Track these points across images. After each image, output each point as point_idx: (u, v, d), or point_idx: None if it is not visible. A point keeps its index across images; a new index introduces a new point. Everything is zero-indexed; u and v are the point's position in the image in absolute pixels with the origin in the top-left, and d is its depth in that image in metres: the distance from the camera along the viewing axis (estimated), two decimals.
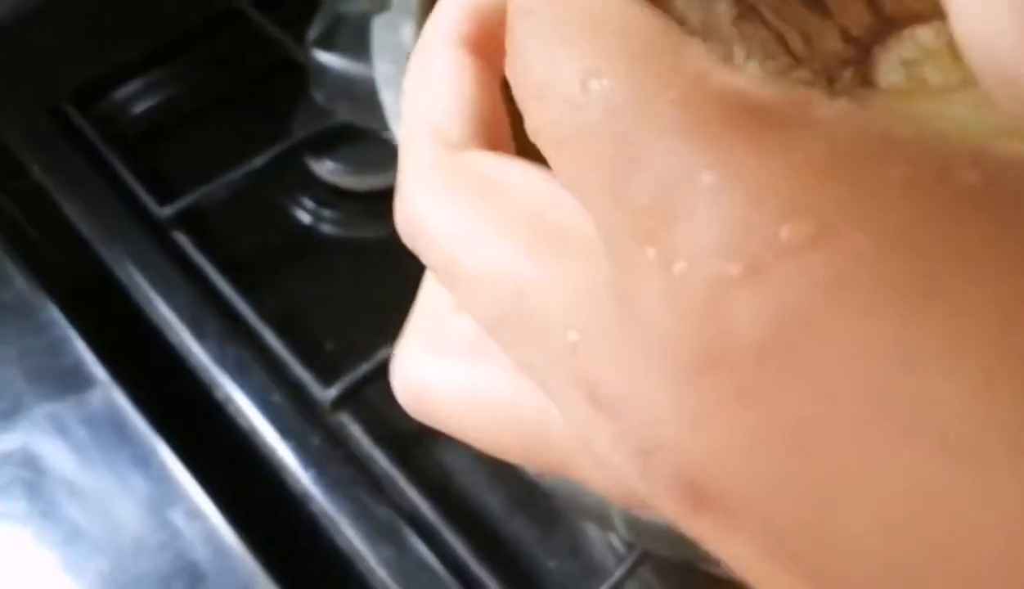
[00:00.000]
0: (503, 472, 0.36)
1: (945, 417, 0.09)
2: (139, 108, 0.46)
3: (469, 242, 0.12)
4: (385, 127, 0.25)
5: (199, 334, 0.38)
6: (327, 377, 0.36)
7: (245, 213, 0.43)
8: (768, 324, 0.09)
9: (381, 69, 0.24)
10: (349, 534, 0.34)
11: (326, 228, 0.44)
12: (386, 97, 0.23)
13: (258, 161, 0.42)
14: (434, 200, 0.13)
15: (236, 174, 0.42)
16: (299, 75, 0.45)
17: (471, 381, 0.13)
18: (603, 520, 0.28)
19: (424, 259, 0.13)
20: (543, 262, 0.11)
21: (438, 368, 0.14)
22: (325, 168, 0.44)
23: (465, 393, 0.13)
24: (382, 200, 0.47)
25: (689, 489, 0.10)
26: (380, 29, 0.24)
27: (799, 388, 0.09)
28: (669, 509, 0.11)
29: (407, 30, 0.24)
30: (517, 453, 0.13)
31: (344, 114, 0.42)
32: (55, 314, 0.38)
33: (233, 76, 0.47)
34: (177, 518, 0.33)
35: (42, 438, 0.36)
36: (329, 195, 0.44)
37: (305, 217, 0.44)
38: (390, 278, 0.43)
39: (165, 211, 0.41)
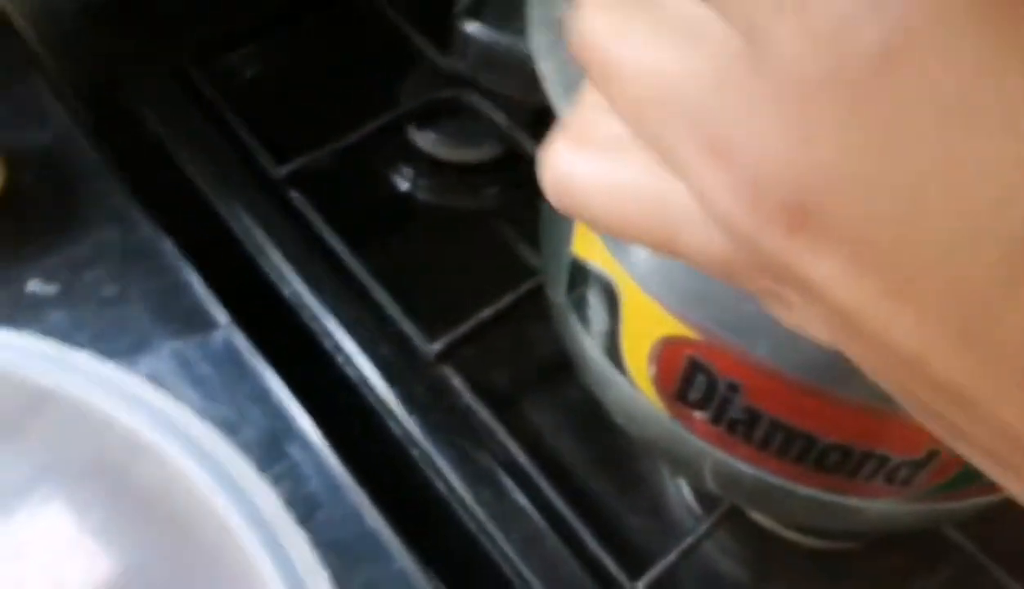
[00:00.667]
0: (591, 434, 0.39)
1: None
2: (254, 72, 0.49)
3: (630, 44, 0.15)
4: (534, 93, 0.27)
5: (312, 287, 0.40)
6: (430, 333, 0.39)
7: (350, 178, 0.45)
8: (883, 40, 0.12)
9: (538, 40, 0.26)
10: (449, 477, 0.36)
11: (424, 197, 0.46)
12: (544, 66, 0.26)
13: (364, 130, 0.45)
14: (605, 14, 0.16)
15: (345, 141, 0.45)
16: (406, 49, 0.48)
17: (610, 171, 0.16)
18: (694, 472, 0.30)
19: (588, 67, 0.16)
20: (687, 53, 0.14)
21: (583, 161, 0.16)
22: (426, 140, 0.46)
23: (604, 180, 0.16)
24: (476, 173, 0.49)
25: (792, 209, 0.13)
26: (536, 2, 0.27)
27: (903, 96, 0.12)
28: (769, 239, 0.13)
29: (561, 3, 0.27)
30: (639, 230, 0.16)
31: (487, 82, 0.45)
32: (177, 260, 0.41)
33: (344, 47, 0.50)
34: (294, 452, 0.36)
35: (167, 372, 0.38)
36: (428, 165, 0.47)
37: (405, 185, 0.47)
38: (479, 247, 0.46)
39: (281, 170, 0.43)
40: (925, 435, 0.24)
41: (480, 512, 0.36)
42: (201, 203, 0.44)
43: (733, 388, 0.24)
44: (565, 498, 0.36)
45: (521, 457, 0.37)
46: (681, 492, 0.38)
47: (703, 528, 0.36)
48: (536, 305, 0.40)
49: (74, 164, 0.43)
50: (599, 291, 0.28)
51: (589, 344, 0.30)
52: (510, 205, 0.46)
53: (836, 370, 0.22)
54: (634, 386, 0.28)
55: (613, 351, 0.28)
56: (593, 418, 0.37)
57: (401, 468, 0.37)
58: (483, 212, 0.46)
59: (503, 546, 0.35)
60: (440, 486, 0.37)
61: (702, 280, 0.23)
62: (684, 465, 0.30)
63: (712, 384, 0.25)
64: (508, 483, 0.36)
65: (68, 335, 0.40)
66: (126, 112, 0.46)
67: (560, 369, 0.39)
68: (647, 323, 0.25)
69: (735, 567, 0.37)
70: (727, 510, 0.36)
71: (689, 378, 0.25)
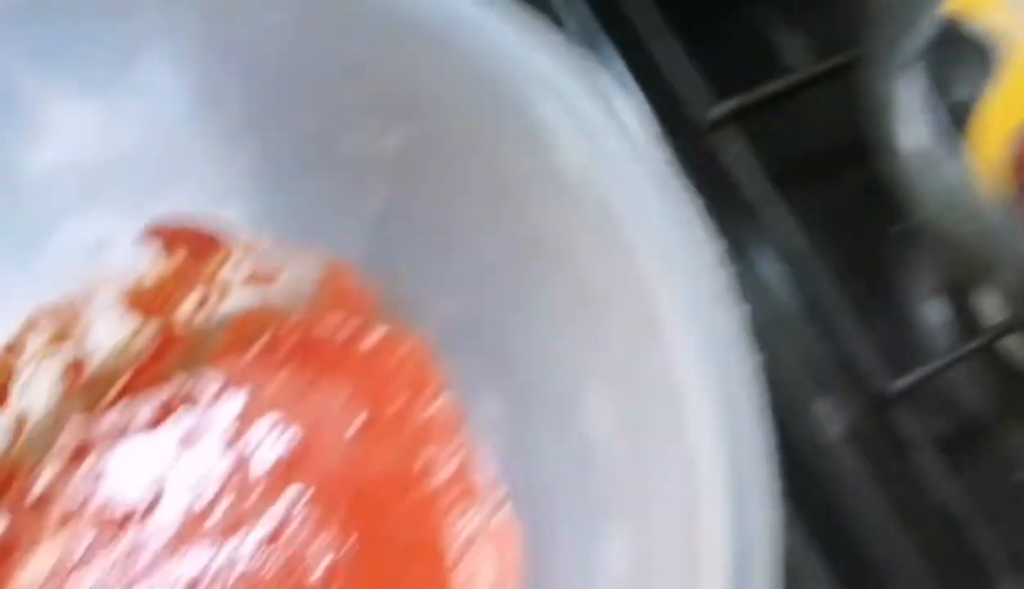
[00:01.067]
0: (859, 231, 0.37)
1: None
2: None
3: None
4: None
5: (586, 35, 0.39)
6: (706, 97, 0.37)
7: None
8: None
9: None
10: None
11: None
12: None
13: None
14: None
15: None
16: None
17: None
18: (1010, 275, 0.28)
19: None
20: None
21: None
22: None
23: None
24: None
25: None
26: None
27: None
28: None
29: None
30: None
31: None
32: None
33: None
34: None
35: None
36: None
37: None
38: (770, 13, 0.43)
39: None
40: None
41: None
42: None
43: None
44: (824, 295, 0.35)
45: (784, 237, 0.35)
46: (938, 312, 0.36)
47: (959, 352, 0.34)
48: (825, 86, 0.38)
49: None
50: (969, 55, 0.25)
51: (918, 122, 0.28)
52: None
53: None
54: (974, 170, 0.26)
55: (958, 128, 0.26)
56: (867, 214, 0.35)
57: None
58: None
59: (751, 321, 0.34)
60: None
61: None
62: (1000, 265, 0.28)
63: None
64: (766, 259, 0.35)
65: None
66: None
67: (841, 157, 0.38)
68: None
69: (979, 400, 0.36)
70: (987, 341, 0.35)
71: None
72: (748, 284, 0.35)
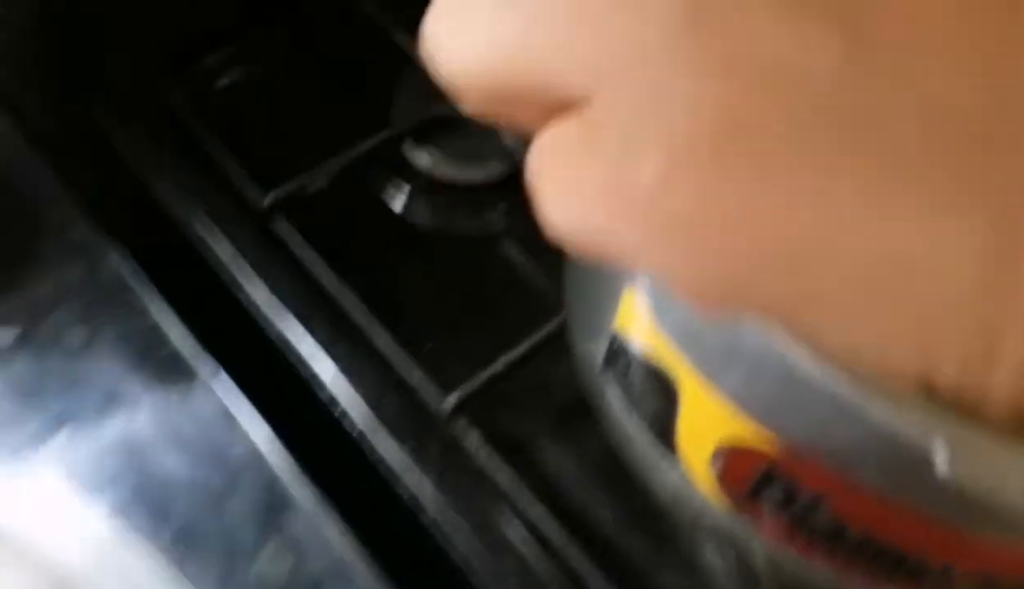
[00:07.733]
0: (620, 487, 0.36)
1: None
2: (227, 82, 0.44)
3: None
4: None
5: (306, 329, 0.36)
6: (440, 381, 0.36)
7: (341, 202, 0.41)
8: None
9: None
10: (465, 543, 0.33)
11: (422, 220, 0.43)
12: None
13: (358, 149, 0.41)
14: None
15: (335, 162, 0.40)
16: (397, 59, 0.44)
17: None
18: (751, 560, 0.27)
19: None
20: None
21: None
22: (424, 159, 0.42)
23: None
24: (479, 193, 0.45)
25: None
26: None
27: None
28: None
29: None
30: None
31: None
32: (152, 300, 0.37)
33: (329, 58, 0.45)
34: (293, 524, 0.33)
35: (144, 432, 0.34)
36: (426, 186, 0.43)
37: (400, 207, 0.43)
38: (490, 277, 0.42)
39: (265, 198, 0.39)
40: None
41: (497, 585, 0.32)
42: (174, 234, 0.39)
43: (816, 499, 0.21)
44: (590, 561, 0.33)
45: (545, 522, 0.33)
46: (719, 557, 0.35)
47: None
48: (558, 343, 0.37)
49: (30, 190, 0.39)
50: (649, 377, 0.24)
51: (632, 424, 0.27)
52: (521, 228, 0.42)
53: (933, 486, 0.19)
54: (690, 477, 0.25)
55: (665, 437, 0.25)
56: (622, 469, 0.34)
57: (412, 537, 0.34)
58: (489, 236, 0.42)
59: None
60: (455, 552, 0.33)
61: (788, 383, 0.20)
62: (741, 553, 0.27)
63: (791, 494, 0.22)
64: (532, 552, 0.33)
65: (32, 388, 0.36)
66: (86, 130, 0.42)
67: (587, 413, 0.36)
68: (713, 423, 0.22)
69: None
70: None
71: (763, 484, 0.22)
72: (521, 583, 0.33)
